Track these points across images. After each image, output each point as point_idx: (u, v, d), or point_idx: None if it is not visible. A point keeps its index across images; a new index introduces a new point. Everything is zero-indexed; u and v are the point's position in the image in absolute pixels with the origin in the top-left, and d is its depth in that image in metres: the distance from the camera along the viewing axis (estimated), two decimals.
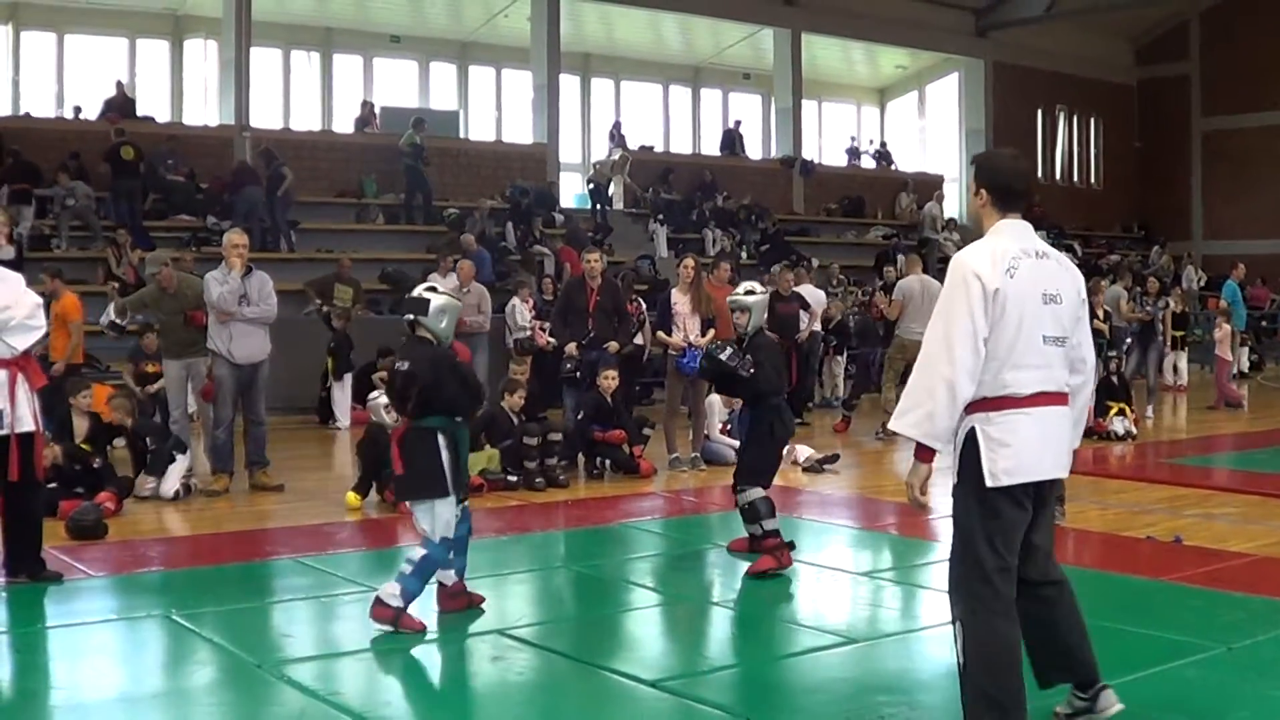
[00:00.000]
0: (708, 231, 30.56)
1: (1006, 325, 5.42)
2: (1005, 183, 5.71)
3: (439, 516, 7.78)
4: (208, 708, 6.43)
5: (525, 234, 27.38)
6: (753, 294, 10.10)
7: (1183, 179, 42.01)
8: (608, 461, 14.33)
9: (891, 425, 5.64)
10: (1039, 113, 40.73)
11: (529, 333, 19.64)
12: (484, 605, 8.17)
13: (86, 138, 24.67)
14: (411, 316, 8.05)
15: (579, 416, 14.33)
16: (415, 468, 7.79)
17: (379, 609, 7.61)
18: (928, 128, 41.59)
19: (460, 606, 8.05)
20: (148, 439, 12.91)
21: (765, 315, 10.21)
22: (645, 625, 8.40)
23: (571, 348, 14.47)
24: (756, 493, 9.45)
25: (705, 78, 38.08)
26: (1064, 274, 5.65)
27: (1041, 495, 5.60)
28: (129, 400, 13.48)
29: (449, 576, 8.06)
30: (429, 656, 7.32)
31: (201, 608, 8.21)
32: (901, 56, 39.64)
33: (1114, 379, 18.36)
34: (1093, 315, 20.17)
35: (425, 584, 7.77)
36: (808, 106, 37.26)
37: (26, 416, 8.81)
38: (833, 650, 7.32)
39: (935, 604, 8.77)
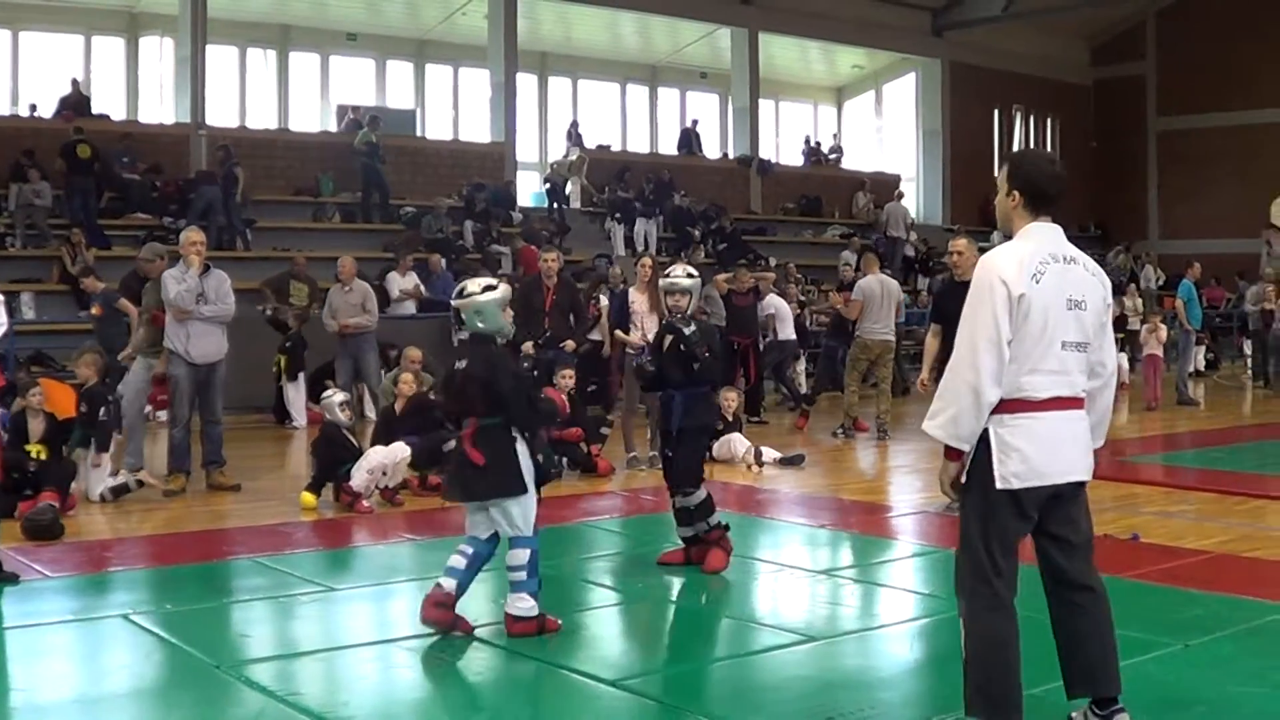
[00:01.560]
0: (643, 225, 30.52)
1: (1029, 331, 5.45)
2: (1040, 186, 5.69)
3: (528, 508, 7.61)
4: (166, 709, 6.40)
5: (483, 233, 27.37)
6: (692, 276, 9.70)
7: (1139, 179, 42.26)
8: (565, 460, 14.31)
9: (924, 427, 5.64)
10: (995, 113, 40.98)
11: None
12: (473, 632, 7.64)
13: (42, 135, 24.49)
14: (481, 327, 7.70)
15: None
16: (500, 465, 7.51)
17: (519, 625, 7.47)
18: (885, 127, 41.72)
19: (443, 621, 7.53)
20: (105, 406, 12.74)
21: (699, 302, 9.74)
22: (605, 625, 8.40)
23: (528, 347, 14.43)
24: (701, 493, 9.31)
25: (663, 77, 38.14)
26: (1091, 280, 5.66)
27: (1063, 498, 5.61)
28: (100, 359, 13.23)
29: (450, 583, 7.61)
30: (388, 657, 7.28)
31: (159, 608, 8.19)
32: (859, 56, 39.78)
33: None
34: None
35: (539, 577, 7.61)
36: (765, 106, 37.28)
37: None
38: (792, 648, 7.33)
39: (894, 602, 8.84)
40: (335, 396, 12.92)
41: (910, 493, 13.81)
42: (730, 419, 15.65)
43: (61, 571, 9.39)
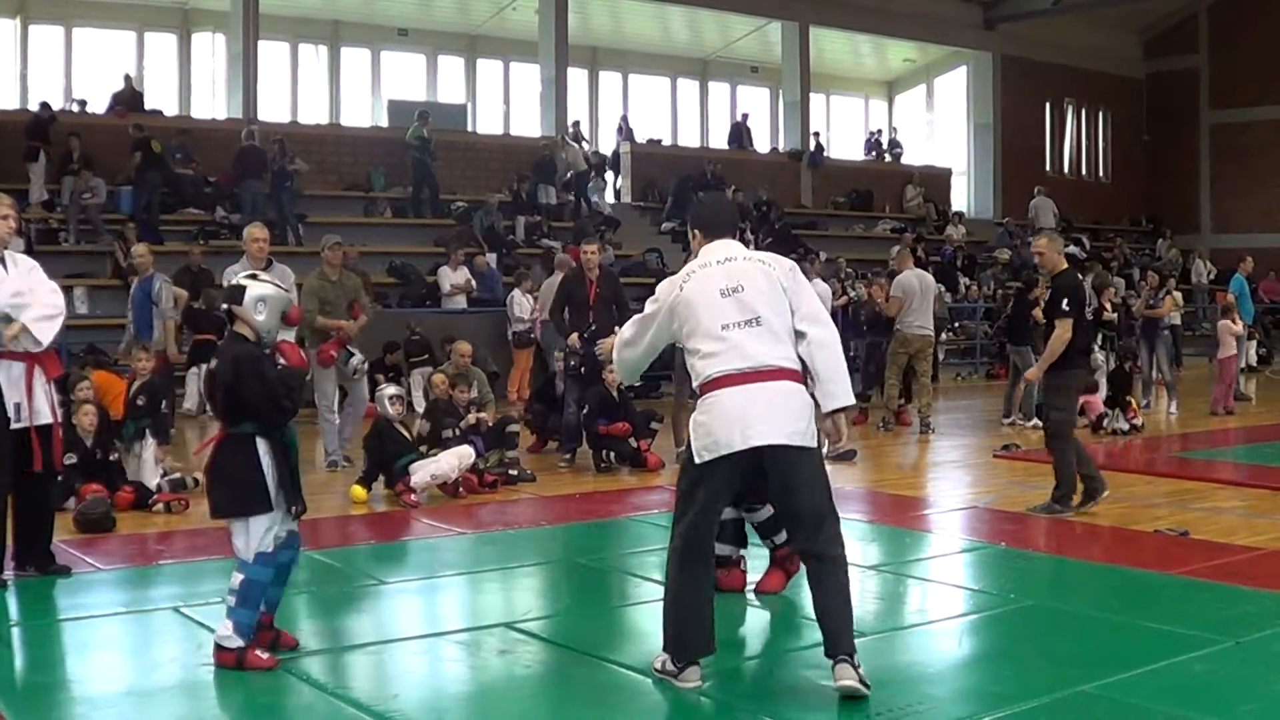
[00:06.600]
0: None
1: (684, 325, 6.50)
2: (709, 220, 6.87)
3: (253, 532, 6.83)
4: (217, 701, 6.45)
5: (534, 227, 27.45)
6: None
7: (1191, 172, 41.98)
8: (613, 455, 14.32)
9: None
10: (1047, 106, 40.78)
11: (528, 325, 19.54)
12: (297, 647, 7.16)
13: (95, 130, 24.67)
14: (226, 307, 7.10)
15: (584, 411, 14.32)
16: (231, 480, 6.87)
17: (220, 654, 6.75)
18: (936, 121, 41.58)
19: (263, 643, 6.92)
20: (165, 399, 12.76)
21: None
22: (653, 619, 8.35)
23: (574, 339, 14.40)
24: (769, 508, 8.28)
25: (713, 71, 38.13)
26: (751, 267, 6.53)
27: (772, 465, 6.28)
28: (161, 352, 13.21)
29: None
30: (437, 650, 7.30)
31: (210, 600, 8.20)
32: (909, 49, 39.69)
33: (1126, 370, 18.56)
34: (1102, 308, 20.20)
35: (258, 609, 6.84)
36: (816, 100, 37.22)
37: (44, 409, 8.78)
38: None
39: (941, 597, 8.81)
40: (386, 390, 12.91)
41: (957, 487, 13.77)
42: None
43: (113, 564, 9.48)
